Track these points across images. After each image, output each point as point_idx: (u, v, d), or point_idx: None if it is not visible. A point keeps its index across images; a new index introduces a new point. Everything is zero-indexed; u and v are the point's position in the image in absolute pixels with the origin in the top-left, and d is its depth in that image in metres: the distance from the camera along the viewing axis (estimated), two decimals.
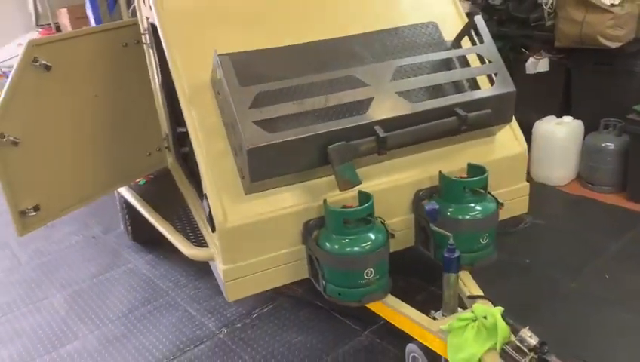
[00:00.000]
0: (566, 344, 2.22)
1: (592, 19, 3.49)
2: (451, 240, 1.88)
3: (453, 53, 2.27)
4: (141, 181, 2.95)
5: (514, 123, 2.42)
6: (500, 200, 2.17)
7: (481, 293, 2.04)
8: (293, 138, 1.88)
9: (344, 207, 1.99)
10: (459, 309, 1.99)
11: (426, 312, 2.04)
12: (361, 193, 2.03)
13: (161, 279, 3.15)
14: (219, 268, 2.05)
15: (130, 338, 2.68)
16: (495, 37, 4.28)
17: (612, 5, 3.44)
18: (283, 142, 1.87)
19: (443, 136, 2.10)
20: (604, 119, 3.66)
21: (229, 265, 2.01)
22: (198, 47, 2.13)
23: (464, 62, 2.33)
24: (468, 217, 2.09)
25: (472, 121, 2.08)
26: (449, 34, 2.43)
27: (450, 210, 2.11)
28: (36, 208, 2.35)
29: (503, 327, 1.69)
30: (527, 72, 4.09)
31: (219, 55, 1.94)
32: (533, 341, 1.68)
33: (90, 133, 2.54)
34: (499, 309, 1.76)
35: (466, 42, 2.37)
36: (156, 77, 2.73)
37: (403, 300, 2.12)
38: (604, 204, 3.54)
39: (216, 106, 2.09)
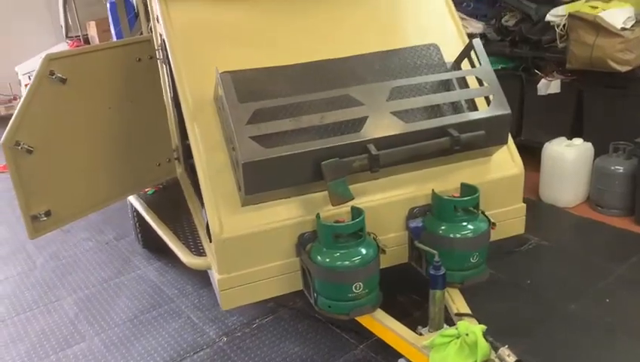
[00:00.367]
0: None
1: (603, 43, 3.50)
2: (437, 258, 1.92)
3: (448, 75, 2.32)
4: (150, 190, 3.06)
5: (511, 144, 2.46)
6: (493, 220, 2.20)
7: (468, 311, 2.07)
8: (288, 153, 1.95)
9: (336, 221, 2.05)
10: (446, 326, 2.03)
11: (416, 328, 2.09)
12: (353, 208, 2.09)
13: (168, 286, 3.24)
14: (214, 277, 2.13)
15: (134, 342, 2.77)
16: (508, 58, 4.36)
17: (623, 29, 3.45)
18: (278, 157, 1.94)
19: (436, 155, 2.15)
20: (614, 142, 3.65)
21: (224, 274, 2.08)
22: (204, 64, 2.23)
23: (462, 83, 2.38)
24: (459, 236, 2.13)
25: (465, 141, 2.13)
26: (451, 55, 2.48)
27: (442, 227, 2.15)
28: (47, 213, 2.47)
29: (483, 345, 1.72)
30: (539, 93, 4.11)
31: (220, 73, 2.03)
32: (511, 359, 1.71)
33: (103, 143, 2.66)
34: (481, 327, 1.79)
35: (467, 64, 2.42)
36: (168, 91, 2.84)
37: (401, 315, 2.17)
38: (611, 227, 3.52)
39: (219, 121, 2.17)
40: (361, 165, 2.03)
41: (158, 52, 2.76)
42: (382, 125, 2.07)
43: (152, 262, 3.51)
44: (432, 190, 2.20)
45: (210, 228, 2.04)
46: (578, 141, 3.79)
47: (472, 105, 2.36)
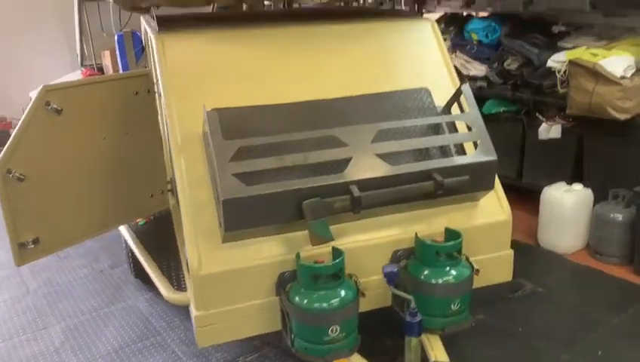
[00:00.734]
0: None
1: (602, 90, 3.50)
2: (413, 304, 1.89)
3: (435, 120, 2.33)
4: (141, 221, 3.08)
5: (499, 189, 2.44)
6: (476, 267, 2.17)
7: (446, 359, 2.02)
8: (269, 192, 1.96)
9: (316, 261, 2.03)
10: None
11: None
12: (334, 249, 2.08)
13: (156, 318, 3.22)
14: (192, 313, 2.12)
15: None
16: (510, 101, 4.37)
17: (622, 78, 3.45)
18: (259, 195, 1.95)
19: (419, 199, 2.15)
20: (613, 189, 3.61)
21: (202, 311, 2.07)
22: (195, 100, 2.26)
23: (451, 127, 2.38)
24: (440, 281, 2.10)
25: (449, 186, 2.12)
26: (443, 99, 2.49)
27: (424, 272, 2.13)
28: (35, 241, 2.48)
29: None
30: (540, 138, 4.10)
31: (207, 110, 2.06)
32: None
33: (96, 173, 2.69)
34: None
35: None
36: (164, 124, 2.88)
37: (386, 359, 2.13)
38: (609, 276, 3.45)
39: (205, 157, 2.19)
40: (343, 206, 2.02)
41: (156, 85, 2.81)
42: (365, 167, 2.08)
43: (143, 293, 3.50)
44: (415, 233, 2.18)
45: (188, 263, 2.04)
46: (578, 187, 3.75)
47: (461, 150, 2.36)
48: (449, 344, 2.26)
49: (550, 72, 3.97)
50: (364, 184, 2.04)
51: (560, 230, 3.76)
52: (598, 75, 3.52)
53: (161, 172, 3.01)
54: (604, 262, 3.60)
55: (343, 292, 1.99)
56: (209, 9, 3.91)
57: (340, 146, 2.12)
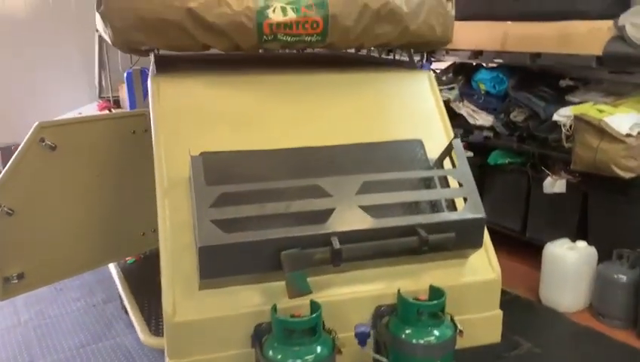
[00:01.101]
0: None
1: (606, 147, 3.45)
2: None
3: (423, 173, 2.30)
4: (130, 259, 3.06)
5: (489, 247, 2.38)
6: (460, 327, 2.10)
7: None
8: (247, 240, 1.93)
9: (292, 315, 1.98)
10: None
11: None
12: (312, 303, 2.03)
13: (142, 357, 3.17)
14: (166, 360, 2.07)
15: None
16: (516, 153, 4.32)
17: (628, 136, 3.40)
18: (236, 243, 1.92)
19: (403, 254, 2.10)
20: (618, 249, 3.51)
21: (174, 359, 2.02)
22: (184, 144, 2.26)
23: (443, 182, 2.35)
24: (421, 341, 2.03)
25: (434, 243, 2.07)
26: (437, 152, 2.47)
27: (405, 331, 2.06)
28: (20, 276, 2.48)
29: None
30: (545, 191, 4.03)
31: (192, 155, 2.06)
32: None
33: (87, 210, 2.70)
34: None
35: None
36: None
37: None
38: (610, 339, 3.33)
39: (190, 202, 2.18)
40: (323, 258, 1.98)
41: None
42: (348, 219, 2.04)
43: (132, 331, 3.43)
44: (398, 290, 2.12)
45: (163, 309, 2.01)
46: (582, 244, 3.66)
47: (452, 205, 2.32)
48: None
49: (556, 125, 3.92)
50: (346, 236, 2.01)
51: (562, 288, 3.66)
52: (603, 131, 3.47)
53: (154, 210, 3.00)
54: (607, 324, 3.47)
55: (318, 349, 1.93)
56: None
57: (324, 196, 2.09)
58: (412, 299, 2.07)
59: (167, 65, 2.58)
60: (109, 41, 2.46)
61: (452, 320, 2.13)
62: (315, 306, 2.01)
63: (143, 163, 2.89)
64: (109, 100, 7.29)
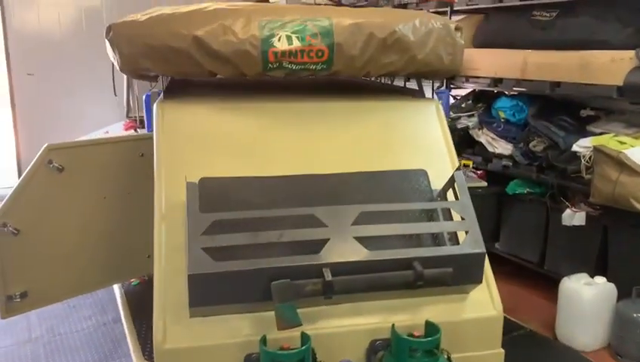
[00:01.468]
0: None
1: (626, 181, 3.33)
2: None
3: (421, 205, 2.26)
4: (135, 281, 3.08)
5: (491, 283, 2.31)
6: None
7: None
8: (237, 269, 1.92)
9: (281, 348, 1.96)
10: None
11: None
12: (303, 335, 2.00)
13: None
14: None
15: None
16: (535, 182, 4.22)
17: None
18: (226, 271, 1.91)
19: (397, 288, 2.05)
20: (637, 287, 3.37)
21: None
22: (185, 169, 2.28)
23: (447, 214, 2.30)
24: None
25: (430, 277, 2.02)
26: (441, 182, 2.42)
27: None
28: (23, 295, 2.52)
29: None
30: (564, 223, 3.91)
31: (188, 181, 2.07)
32: None
33: (92, 232, 2.73)
34: None
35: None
36: None
37: None
38: None
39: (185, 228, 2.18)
40: (314, 290, 1.95)
41: None
42: (342, 250, 2.02)
43: None
44: (392, 325, 2.07)
45: (153, 335, 2.00)
46: (600, 280, 3.52)
47: (454, 238, 2.27)
48: None
49: (576, 156, 3.83)
50: (339, 268, 1.98)
51: (578, 325, 3.51)
52: (622, 164, 3.36)
53: None
54: None
55: None
56: None
57: (320, 226, 2.07)
58: (405, 335, 2.01)
59: (177, 90, 2.62)
60: (117, 68, 2.51)
61: (449, 358, 2.07)
62: (305, 338, 1.98)
63: (150, 185, 2.92)
64: (136, 120, 7.46)
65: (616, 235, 3.70)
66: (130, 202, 2.83)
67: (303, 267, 1.96)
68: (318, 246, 2.03)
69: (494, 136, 4.57)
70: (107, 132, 6.18)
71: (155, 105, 2.50)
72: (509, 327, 3.79)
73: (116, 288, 3.11)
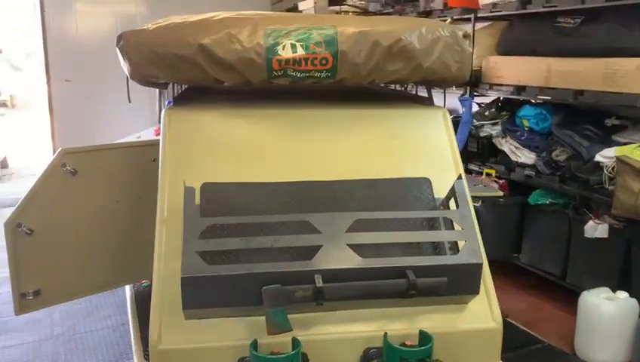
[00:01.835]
0: None
1: None
2: None
3: (419, 214, 2.24)
4: (145, 283, 3.15)
5: (492, 294, 2.26)
6: None
7: None
8: (229, 273, 1.95)
9: (272, 352, 1.97)
10: None
11: None
12: (294, 340, 2.01)
13: None
14: None
15: None
16: (558, 194, 4.12)
17: None
18: (218, 275, 1.94)
19: (389, 296, 2.04)
20: None
21: None
22: (189, 175, 2.32)
23: (444, 223, 2.27)
24: None
25: (423, 287, 2.00)
26: (445, 191, 2.39)
27: None
28: (36, 293, 2.62)
29: None
30: (586, 235, 3.81)
31: (186, 186, 2.11)
32: None
33: (105, 233, 2.82)
34: None
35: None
36: None
37: None
38: None
39: None
40: (305, 296, 1.96)
41: None
42: (334, 257, 2.01)
43: None
44: (385, 333, 2.06)
45: (149, 335, 2.05)
46: (622, 295, 3.41)
47: (455, 248, 2.23)
48: None
49: (599, 166, 3.72)
50: (330, 274, 1.97)
51: (598, 340, 3.41)
52: None
53: None
54: None
55: None
56: None
57: (315, 232, 2.08)
58: (397, 345, 2.00)
59: (189, 97, 2.67)
60: (128, 75, 2.58)
61: None
62: (295, 344, 1.99)
63: None
64: None
65: (638, 249, 3.57)
66: (142, 206, 2.90)
67: (295, 273, 1.97)
68: (312, 252, 2.04)
69: (518, 145, 4.49)
70: (139, 137, 6.36)
71: (163, 112, 2.56)
72: (526, 341, 3.74)
73: (127, 289, 3.19)
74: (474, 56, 4.59)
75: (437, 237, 2.19)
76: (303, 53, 2.44)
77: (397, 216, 2.20)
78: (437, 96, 2.91)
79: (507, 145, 4.58)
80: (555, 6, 3.98)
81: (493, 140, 4.70)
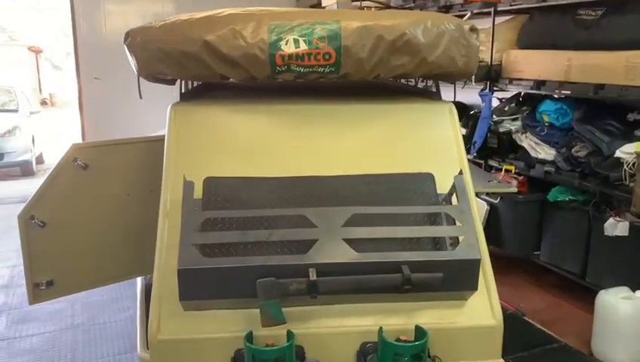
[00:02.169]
0: None
1: None
2: None
3: (416, 209, 2.22)
4: None
5: (492, 290, 2.23)
6: None
7: None
8: (224, 266, 1.97)
9: (267, 344, 1.99)
10: None
11: None
12: (289, 332, 2.02)
13: None
14: None
15: None
16: (577, 190, 4.03)
17: None
18: (214, 268, 1.97)
19: (384, 291, 2.03)
20: None
21: None
22: (192, 169, 2.35)
23: (444, 219, 2.25)
24: None
25: (418, 282, 1.99)
26: (449, 186, 2.37)
27: None
28: (49, 283, 2.70)
29: None
30: (606, 233, 3.71)
31: (185, 180, 2.15)
32: None
33: (116, 226, 2.88)
34: None
35: None
36: None
37: None
38: None
39: None
40: (298, 289, 1.97)
41: None
42: (329, 251, 2.02)
43: None
44: (380, 328, 2.05)
45: (149, 325, 2.09)
46: None
47: (456, 243, 2.21)
48: None
49: (619, 162, 3.62)
50: (325, 268, 1.98)
51: (614, 341, 3.33)
52: None
53: None
54: None
55: None
56: None
57: (311, 227, 2.09)
58: (391, 340, 1.99)
59: (197, 93, 2.71)
60: (135, 72, 2.64)
61: None
62: (289, 336, 2.00)
63: None
64: None
65: None
66: (153, 199, 2.94)
67: (290, 266, 1.99)
68: (308, 246, 2.05)
69: (537, 141, 4.40)
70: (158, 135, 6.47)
71: (169, 108, 2.60)
72: (542, 340, 3.67)
73: (138, 281, 3.27)
74: (494, 51, 4.53)
75: (434, 232, 2.17)
76: (306, 48, 2.45)
77: (394, 211, 2.19)
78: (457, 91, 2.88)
79: (527, 141, 4.49)
80: None
81: (513, 136, 4.62)
